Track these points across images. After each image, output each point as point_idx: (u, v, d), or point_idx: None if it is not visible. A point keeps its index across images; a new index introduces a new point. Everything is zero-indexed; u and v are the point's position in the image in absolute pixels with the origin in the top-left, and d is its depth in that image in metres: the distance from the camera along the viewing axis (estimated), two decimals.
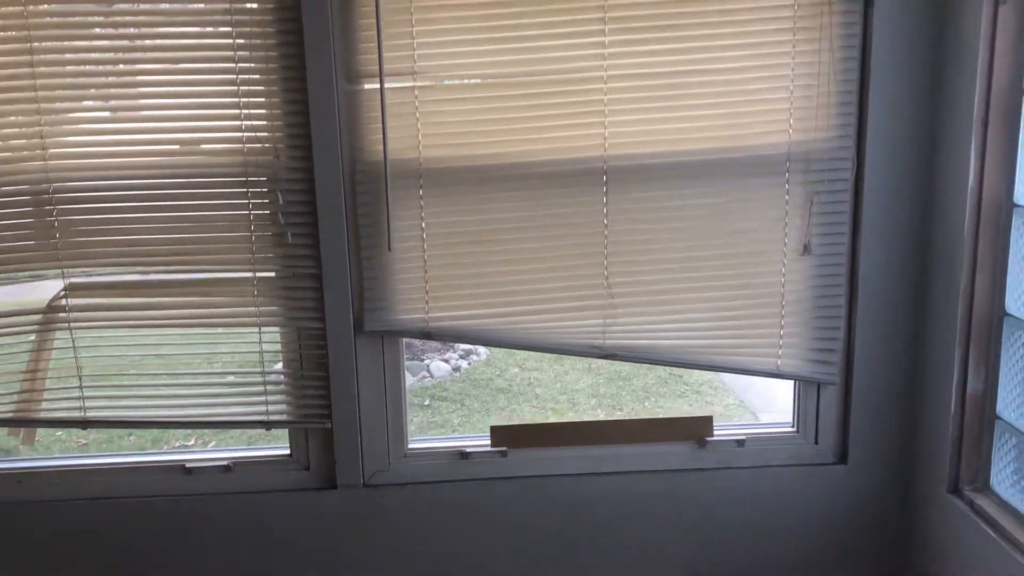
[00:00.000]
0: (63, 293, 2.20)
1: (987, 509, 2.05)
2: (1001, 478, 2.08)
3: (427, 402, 4.94)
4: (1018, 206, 1.98)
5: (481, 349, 5.36)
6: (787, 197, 2.19)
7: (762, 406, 4.82)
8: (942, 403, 2.16)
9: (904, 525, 2.36)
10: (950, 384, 2.12)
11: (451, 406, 4.93)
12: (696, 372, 4.88)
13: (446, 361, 5.29)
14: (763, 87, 2.13)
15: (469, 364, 5.32)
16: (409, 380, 5.11)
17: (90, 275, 2.22)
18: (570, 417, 4.82)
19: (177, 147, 2.15)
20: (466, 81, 2.15)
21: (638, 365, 4.53)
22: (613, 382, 5.10)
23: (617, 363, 4.13)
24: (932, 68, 2.12)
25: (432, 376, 5.17)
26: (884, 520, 2.37)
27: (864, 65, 2.13)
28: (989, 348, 2.08)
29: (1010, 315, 2.02)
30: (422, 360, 5.26)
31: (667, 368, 4.91)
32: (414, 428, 4.67)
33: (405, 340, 2.31)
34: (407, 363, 5.02)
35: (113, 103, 2.15)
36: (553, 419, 4.81)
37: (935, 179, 2.16)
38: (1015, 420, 2.03)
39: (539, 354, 5.15)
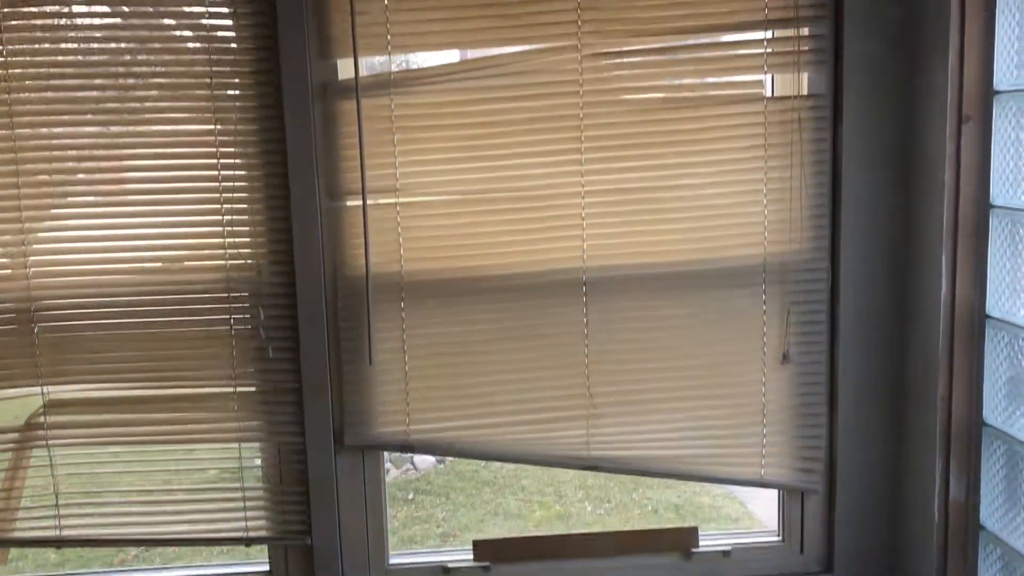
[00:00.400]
0: (42, 410, 2.18)
1: None
2: None
3: (411, 496, 4.88)
4: (990, 317, 2.02)
5: None
6: (764, 307, 2.22)
7: (750, 495, 4.78)
8: (926, 512, 2.15)
9: None
10: (933, 493, 2.12)
11: (436, 500, 4.86)
12: None
13: None
14: (737, 201, 2.18)
15: None
16: (393, 473, 5.05)
17: (70, 392, 2.21)
18: (556, 510, 4.76)
19: (160, 264, 2.17)
20: (447, 197, 2.19)
21: None
22: (600, 473, 5.04)
23: None
24: (901, 182, 2.18)
25: (417, 469, 5.11)
26: None
27: (835, 179, 2.18)
28: (970, 457, 2.08)
29: (988, 425, 2.04)
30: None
31: None
32: (397, 523, 4.61)
33: None
34: (392, 456, 4.98)
35: (97, 222, 2.16)
36: (539, 512, 4.75)
37: (909, 290, 2.20)
38: (998, 530, 2.02)
39: None
